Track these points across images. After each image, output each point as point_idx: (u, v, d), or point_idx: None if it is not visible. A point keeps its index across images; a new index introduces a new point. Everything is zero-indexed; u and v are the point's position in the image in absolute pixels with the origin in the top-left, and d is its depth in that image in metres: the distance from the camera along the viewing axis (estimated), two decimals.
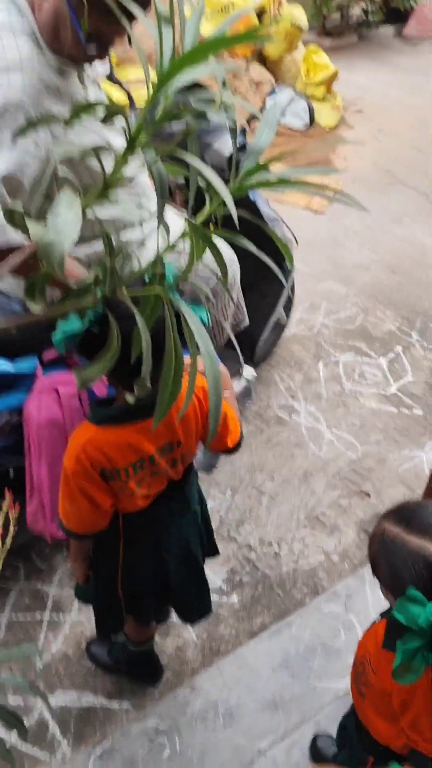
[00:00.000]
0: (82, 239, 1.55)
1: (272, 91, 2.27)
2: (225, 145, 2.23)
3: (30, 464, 1.72)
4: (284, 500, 2.45)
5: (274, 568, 2.21)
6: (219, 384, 0.59)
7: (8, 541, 0.96)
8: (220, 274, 0.68)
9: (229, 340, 2.47)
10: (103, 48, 1.40)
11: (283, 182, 0.64)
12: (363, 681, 1.17)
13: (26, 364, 1.72)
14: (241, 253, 2.22)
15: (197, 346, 0.61)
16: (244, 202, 2.24)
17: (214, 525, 2.32)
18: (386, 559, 1.02)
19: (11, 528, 0.98)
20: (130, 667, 1.88)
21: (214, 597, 2.12)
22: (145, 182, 1.64)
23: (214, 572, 2.17)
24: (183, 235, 0.65)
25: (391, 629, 1.00)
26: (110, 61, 1.78)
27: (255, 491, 2.47)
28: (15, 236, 1.36)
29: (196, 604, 1.67)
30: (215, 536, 2.29)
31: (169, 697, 1.83)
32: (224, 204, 0.72)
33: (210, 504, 2.40)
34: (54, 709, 1.81)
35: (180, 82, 0.57)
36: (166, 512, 1.48)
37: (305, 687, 1.86)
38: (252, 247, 0.64)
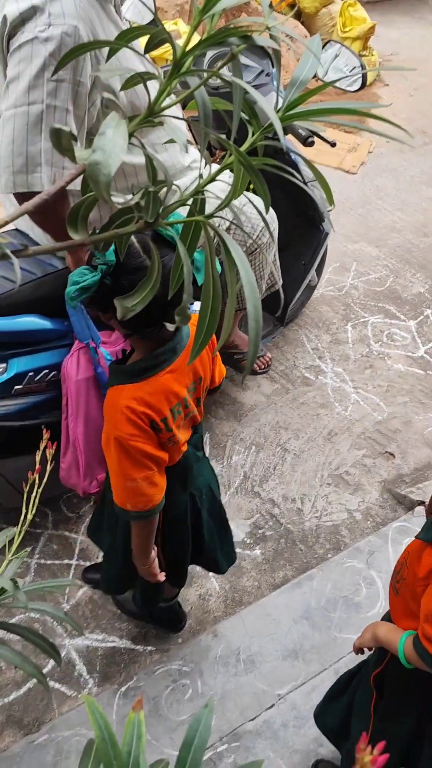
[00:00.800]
0: (118, 190, 1.54)
1: (323, 48, 2.20)
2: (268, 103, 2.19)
3: (66, 420, 1.75)
4: (308, 458, 2.46)
5: (297, 524, 2.24)
6: (260, 313, 0.60)
7: (45, 478, 0.99)
8: (263, 210, 0.68)
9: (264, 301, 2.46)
10: None
11: (329, 111, 0.63)
12: (398, 578, 1.24)
13: (66, 323, 1.73)
14: (278, 214, 2.20)
15: (237, 275, 0.61)
16: (283, 161, 2.21)
17: (238, 480, 2.36)
18: None
19: (48, 466, 1.01)
20: (155, 617, 1.93)
21: (237, 550, 2.16)
22: (178, 124, 1.61)
23: (237, 526, 2.20)
24: (225, 165, 0.64)
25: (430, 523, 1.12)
26: (154, 6, 1.73)
27: (279, 449, 2.49)
28: (38, 179, 1.36)
29: (225, 552, 1.70)
30: (239, 491, 2.33)
31: (192, 643, 1.88)
32: (266, 137, 0.72)
33: (234, 459, 2.42)
34: (80, 649, 1.88)
35: (225, 5, 0.56)
36: (193, 458, 1.48)
37: (326, 637, 1.90)
38: (296, 179, 0.64)
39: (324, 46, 2.17)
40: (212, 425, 2.55)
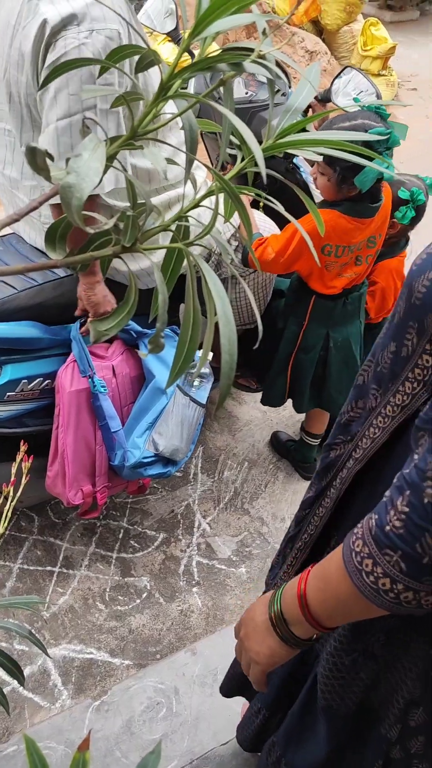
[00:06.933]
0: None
1: (339, 75, 2.18)
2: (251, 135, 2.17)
3: (57, 430, 1.74)
4: (301, 478, 2.43)
5: None
6: (234, 348, 0.58)
7: (19, 491, 0.97)
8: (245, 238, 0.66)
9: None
10: None
11: (320, 142, 0.62)
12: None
13: (63, 332, 1.72)
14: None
15: (215, 309, 0.59)
16: (294, 180, 2.20)
17: (228, 496, 2.33)
18: None
19: (23, 479, 0.99)
20: (293, 453, 2.46)
21: (222, 566, 2.13)
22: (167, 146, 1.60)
23: (224, 542, 2.18)
24: (209, 193, 0.63)
25: None
26: (177, 19, 1.72)
27: (272, 466, 2.46)
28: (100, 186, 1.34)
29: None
30: (228, 507, 2.30)
31: (169, 659, 1.86)
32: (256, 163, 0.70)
33: (226, 474, 2.40)
34: (57, 659, 1.85)
35: (217, 28, 0.54)
36: (341, 308, 1.97)
37: None
38: (279, 208, 0.62)
39: (340, 73, 2.16)
40: (206, 438, 2.53)
